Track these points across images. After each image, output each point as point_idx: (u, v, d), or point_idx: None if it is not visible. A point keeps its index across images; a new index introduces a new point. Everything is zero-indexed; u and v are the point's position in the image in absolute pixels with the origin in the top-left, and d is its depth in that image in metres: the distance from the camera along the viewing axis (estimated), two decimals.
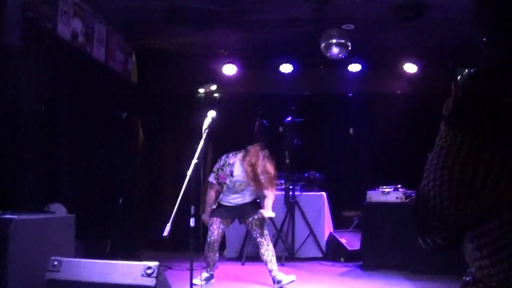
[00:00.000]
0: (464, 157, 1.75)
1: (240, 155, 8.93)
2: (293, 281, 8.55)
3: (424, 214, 1.86)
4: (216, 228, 8.69)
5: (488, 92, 1.77)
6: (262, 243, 8.74)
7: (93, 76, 9.78)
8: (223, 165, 8.87)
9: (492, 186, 1.70)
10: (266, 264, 8.67)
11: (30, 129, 7.60)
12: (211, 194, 8.90)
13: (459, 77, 2.14)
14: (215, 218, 8.72)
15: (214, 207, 8.82)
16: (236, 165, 8.82)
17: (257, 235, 8.80)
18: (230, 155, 9.00)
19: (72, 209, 7.66)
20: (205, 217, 8.80)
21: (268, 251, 8.70)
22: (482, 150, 1.72)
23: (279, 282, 8.56)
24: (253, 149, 9.00)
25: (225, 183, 8.79)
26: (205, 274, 8.62)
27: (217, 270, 9.45)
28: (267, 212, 8.73)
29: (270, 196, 8.91)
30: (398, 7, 9.44)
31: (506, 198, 1.72)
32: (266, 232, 8.86)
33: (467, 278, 1.98)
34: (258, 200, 9.04)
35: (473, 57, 2.16)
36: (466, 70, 2.13)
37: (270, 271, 8.65)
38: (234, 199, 8.87)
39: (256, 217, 8.77)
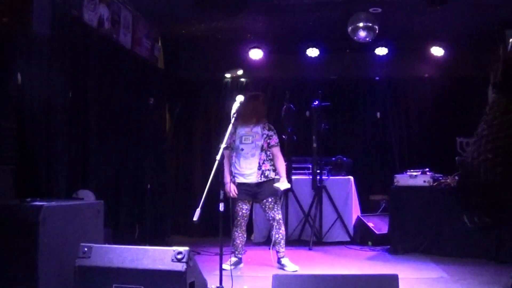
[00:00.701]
0: None
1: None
2: (296, 271, 8.63)
3: (472, 190, 1.73)
4: (239, 210, 8.80)
5: None
6: (273, 226, 8.90)
7: (120, 63, 9.81)
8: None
9: None
10: (273, 245, 8.89)
11: (59, 116, 7.64)
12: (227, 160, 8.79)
13: (510, 40, 1.97)
14: (236, 200, 8.74)
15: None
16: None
17: (270, 217, 8.87)
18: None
19: (100, 195, 7.71)
20: (226, 186, 8.59)
21: (278, 233, 8.89)
22: None
23: (283, 266, 8.78)
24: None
25: (233, 142, 8.80)
26: (233, 259, 8.68)
27: (245, 255, 9.48)
28: (282, 184, 8.78)
29: (281, 161, 8.95)
30: None
31: None
32: (279, 216, 8.95)
33: None
34: (271, 177, 8.86)
35: None
36: None
37: (277, 252, 8.89)
38: (244, 169, 8.78)
39: (270, 199, 8.77)
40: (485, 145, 1.66)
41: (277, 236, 8.85)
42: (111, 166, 9.33)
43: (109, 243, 6.51)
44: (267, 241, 10.88)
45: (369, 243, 10.97)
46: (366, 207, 12.16)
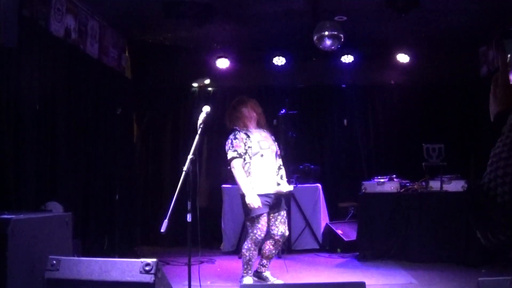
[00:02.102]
0: None
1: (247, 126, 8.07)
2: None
3: (489, 210, 1.72)
4: (264, 224, 7.76)
5: None
6: (278, 243, 8.16)
7: (87, 73, 9.78)
8: (238, 141, 7.84)
9: None
10: (263, 257, 8.30)
11: (26, 127, 7.61)
12: (241, 169, 7.74)
13: (508, 50, 1.97)
14: (260, 214, 7.66)
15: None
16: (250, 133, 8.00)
17: (280, 233, 7.99)
18: (236, 133, 7.97)
19: (69, 206, 7.69)
20: (252, 197, 7.53)
21: (276, 249, 8.43)
22: None
23: (265, 278, 8.24)
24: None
25: (249, 149, 7.79)
26: (249, 279, 7.96)
27: (214, 265, 9.49)
28: (286, 186, 8.08)
29: (282, 167, 8.27)
30: None
31: None
32: (287, 232, 8.22)
33: None
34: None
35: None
36: None
37: (262, 265, 8.36)
38: (265, 178, 7.81)
39: (283, 212, 7.98)
40: (504, 168, 1.66)
41: (275, 252, 8.40)
42: (79, 176, 9.30)
43: (78, 255, 6.52)
44: (236, 250, 10.93)
45: (338, 250, 11.03)
46: (335, 214, 12.23)
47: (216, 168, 12.73)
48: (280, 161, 8.23)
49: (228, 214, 11.49)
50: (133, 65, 12.34)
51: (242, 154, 7.68)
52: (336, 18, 10.51)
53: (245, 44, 12.43)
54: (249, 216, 7.72)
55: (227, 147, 7.92)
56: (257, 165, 7.81)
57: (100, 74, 10.37)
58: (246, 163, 7.75)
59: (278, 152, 8.24)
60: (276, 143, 8.26)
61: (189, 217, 6.48)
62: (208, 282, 8.41)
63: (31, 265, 5.65)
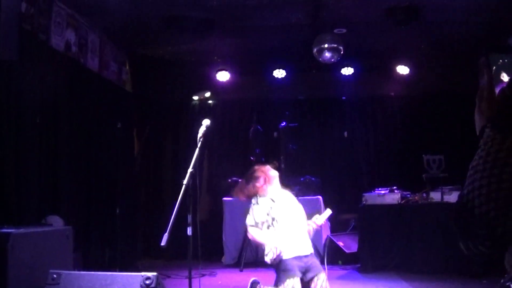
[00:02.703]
0: None
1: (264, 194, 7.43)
2: None
3: (469, 221, 1.77)
4: None
5: None
6: None
7: (88, 87, 9.79)
8: (259, 207, 7.30)
9: None
10: None
11: (27, 140, 7.63)
12: (257, 232, 7.21)
13: (494, 66, 2.00)
14: (288, 279, 6.79)
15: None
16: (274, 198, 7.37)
17: None
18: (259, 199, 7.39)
19: (71, 220, 7.69)
20: (272, 243, 6.93)
21: None
22: None
23: None
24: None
25: (275, 220, 7.15)
26: None
27: (215, 278, 9.48)
28: (321, 216, 7.41)
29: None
30: (392, 10, 9.48)
31: None
32: None
33: (507, 283, 1.88)
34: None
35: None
36: (501, 59, 2.01)
37: None
38: (296, 241, 7.08)
39: (322, 276, 7.00)
40: (480, 180, 1.71)
41: None
42: (80, 190, 9.31)
43: (79, 268, 6.51)
44: (237, 263, 10.92)
45: (339, 262, 11.01)
46: (336, 226, 12.20)
47: (217, 181, 12.74)
48: (305, 221, 7.37)
49: (229, 227, 11.48)
50: (133, 79, 12.35)
51: (259, 223, 7.14)
52: (335, 30, 10.54)
53: (246, 57, 12.45)
54: (279, 281, 6.88)
55: (250, 211, 7.39)
56: (284, 231, 7.07)
57: (100, 87, 10.38)
58: (273, 229, 7.09)
59: (303, 213, 7.47)
60: (318, 202, 7.89)
61: (189, 231, 6.47)
62: None
63: (31, 279, 5.63)
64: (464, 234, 1.82)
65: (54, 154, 8.51)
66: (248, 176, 7.66)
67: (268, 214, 7.15)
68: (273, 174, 7.52)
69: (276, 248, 6.87)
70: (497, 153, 1.71)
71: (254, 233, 7.27)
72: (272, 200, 7.26)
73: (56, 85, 8.63)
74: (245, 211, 9.67)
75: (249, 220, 7.32)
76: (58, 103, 8.67)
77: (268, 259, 6.97)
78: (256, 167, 7.76)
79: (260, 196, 7.33)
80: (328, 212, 7.41)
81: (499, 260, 1.91)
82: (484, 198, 1.70)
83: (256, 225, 7.18)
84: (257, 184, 7.43)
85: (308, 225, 7.27)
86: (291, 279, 6.77)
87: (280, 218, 7.15)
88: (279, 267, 6.95)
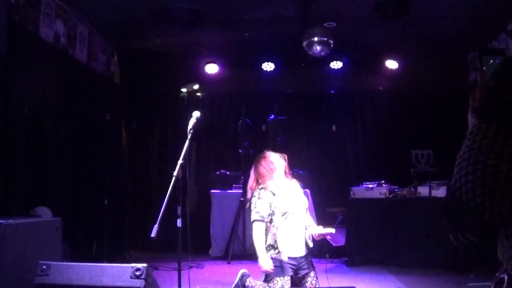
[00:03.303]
0: (498, 149, 1.70)
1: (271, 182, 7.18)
2: None
3: (456, 210, 1.79)
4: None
5: None
6: None
7: (76, 78, 9.76)
8: (262, 201, 7.00)
9: None
10: None
11: (15, 132, 7.60)
12: (260, 234, 6.95)
13: (485, 67, 2.04)
14: (279, 278, 6.75)
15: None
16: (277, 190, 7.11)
17: None
18: (261, 192, 7.10)
19: (58, 211, 7.67)
20: (265, 261, 6.76)
21: None
22: None
23: None
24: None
25: (275, 214, 6.91)
26: None
27: (203, 270, 9.48)
28: (324, 229, 7.10)
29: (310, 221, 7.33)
30: (382, 5, 9.49)
31: None
32: None
33: (502, 275, 1.89)
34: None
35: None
36: (492, 59, 2.04)
37: None
38: (295, 240, 6.93)
39: (313, 274, 6.99)
40: (466, 167, 1.74)
41: None
42: (68, 181, 9.29)
43: (67, 260, 6.49)
44: (225, 256, 10.93)
45: (327, 255, 11.02)
46: (324, 220, 12.19)
47: (205, 173, 12.74)
48: (308, 215, 7.33)
49: (217, 220, 11.49)
50: (121, 71, 12.33)
51: (265, 216, 6.90)
52: (325, 24, 10.54)
53: (234, 49, 12.43)
54: (269, 277, 6.81)
55: (252, 206, 7.13)
56: (285, 226, 6.91)
57: (88, 79, 10.36)
58: (274, 225, 6.90)
59: (307, 206, 7.34)
60: (308, 195, 7.59)
61: (179, 222, 6.47)
62: (198, 287, 8.40)
63: (21, 270, 5.62)
64: (452, 225, 1.84)
65: (42, 145, 8.49)
66: (257, 158, 7.48)
67: (270, 208, 6.94)
68: (279, 162, 7.32)
69: (268, 268, 6.70)
70: (482, 141, 1.74)
71: (256, 232, 6.99)
72: (273, 193, 7.01)
73: (45, 76, 8.61)
74: (233, 204, 9.71)
75: (255, 215, 7.00)
76: (46, 94, 8.64)
77: (261, 266, 6.87)
78: (266, 152, 7.50)
79: (262, 187, 7.08)
80: (332, 230, 7.05)
81: (487, 254, 1.93)
82: (471, 185, 1.74)
83: (263, 219, 6.91)
84: (262, 169, 7.24)
85: (309, 226, 7.13)
86: (282, 277, 6.72)
87: (279, 215, 6.92)
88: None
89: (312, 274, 6.96)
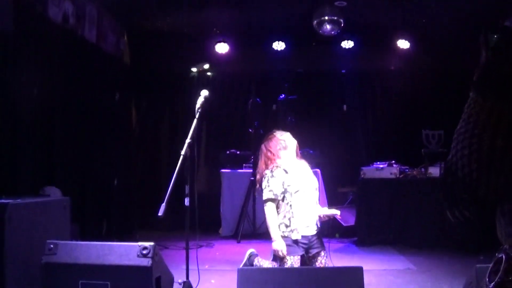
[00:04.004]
0: (494, 124, 1.68)
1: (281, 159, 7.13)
2: None
3: (452, 186, 1.76)
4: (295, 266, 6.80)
5: None
6: None
7: (85, 58, 9.73)
8: (275, 179, 6.91)
9: None
10: None
11: (24, 113, 7.60)
12: (274, 213, 6.88)
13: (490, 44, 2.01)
14: (288, 257, 6.71)
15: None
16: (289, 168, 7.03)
17: None
18: (274, 169, 7.03)
19: (67, 191, 7.67)
20: (279, 244, 6.70)
21: None
22: None
23: None
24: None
25: (288, 192, 6.83)
26: None
27: (212, 249, 9.49)
28: (329, 210, 7.19)
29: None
30: None
31: None
32: None
33: (500, 255, 1.87)
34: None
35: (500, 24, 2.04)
36: (497, 37, 2.01)
37: None
38: (306, 219, 6.88)
39: (323, 253, 6.98)
40: (462, 142, 1.72)
41: None
42: (77, 162, 9.28)
43: (76, 239, 6.50)
44: (235, 235, 10.95)
45: (336, 235, 11.01)
46: (334, 199, 12.18)
47: (215, 153, 12.73)
48: (317, 194, 7.26)
49: (227, 199, 11.50)
50: (131, 51, 12.30)
51: (278, 195, 6.84)
52: (336, 3, 10.48)
53: (245, 29, 12.37)
54: (278, 258, 6.78)
55: (263, 184, 7.02)
56: (298, 204, 6.87)
57: (98, 59, 10.33)
58: (287, 203, 6.83)
59: (317, 186, 7.28)
60: (318, 175, 7.48)
61: (186, 201, 6.46)
62: (206, 266, 8.42)
63: (28, 249, 5.64)
64: (449, 201, 1.82)
65: (51, 126, 8.48)
66: (265, 138, 7.39)
67: (282, 186, 6.84)
68: (290, 142, 7.23)
69: (282, 252, 6.74)
70: (478, 115, 1.72)
71: (269, 212, 6.90)
72: (286, 171, 6.93)
73: (53, 56, 8.58)
74: (243, 183, 9.68)
75: (268, 194, 6.88)
76: (55, 74, 8.63)
77: (274, 250, 6.80)
78: (276, 131, 7.42)
79: (274, 166, 7.00)
80: (337, 212, 7.15)
81: (497, 235, 1.89)
82: (467, 160, 1.72)
83: (276, 197, 6.84)
84: (271, 148, 7.17)
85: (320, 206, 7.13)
86: (292, 257, 6.68)
87: (292, 193, 6.84)
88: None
89: (322, 253, 6.93)
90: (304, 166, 7.22)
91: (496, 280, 1.82)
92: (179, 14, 10.97)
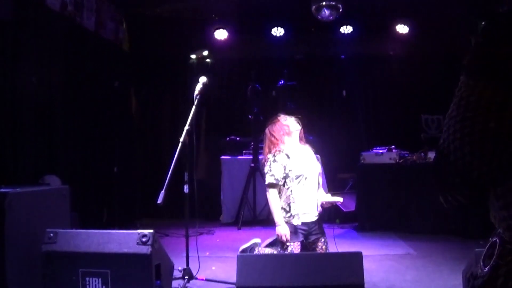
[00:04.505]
0: (486, 106, 1.66)
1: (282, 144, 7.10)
2: None
3: (445, 170, 1.76)
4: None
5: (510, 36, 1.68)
6: None
7: (84, 46, 9.73)
8: (277, 164, 6.90)
9: None
10: None
11: (24, 101, 7.61)
12: (276, 198, 6.88)
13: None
14: (288, 243, 6.72)
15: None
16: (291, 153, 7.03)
17: None
18: (276, 154, 7.02)
19: (68, 179, 7.68)
20: (283, 229, 6.68)
21: None
22: (507, 98, 1.62)
23: None
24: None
25: (289, 177, 6.83)
26: None
27: (213, 236, 9.51)
28: (332, 197, 7.13)
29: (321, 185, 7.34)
30: None
31: None
32: None
33: (494, 239, 1.87)
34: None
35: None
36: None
37: None
38: (308, 205, 6.89)
39: (323, 239, 6.99)
40: (454, 125, 1.71)
41: None
42: (77, 150, 9.30)
43: (76, 228, 6.51)
44: (235, 222, 10.97)
45: (337, 220, 11.05)
46: (334, 185, 12.20)
47: (215, 140, 12.73)
48: (320, 179, 7.27)
49: (227, 186, 11.51)
50: (130, 38, 12.29)
51: (280, 179, 6.82)
52: None
53: (244, 15, 12.36)
54: (278, 244, 6.82)
55: (265, 169, 7.02)
56: (299, 189, 6.90)
57: (97, 47, 10.33)
58: (288, 188, 6.84)
59: (320, 171, 7.33)
60: (319, 161, 7.54)
61: (186, 189, 6.48)
62: (207, 253, 8.44)
63: (29, 238, 5.66)
64: (442, 185, 1.82)
65: (51, 114, 8.49)
66: (270, 122, 7.30)
67: (284, 171, 6.82)
68: (294, 127, 7.15)
69: (286, 236, 6.74)
70: (468, 97, 1.71)
71: (271, 197, 6.87)
72: (288, 156, 6.89)
73: (52, 44, 8.58)
74: (243, 170, 9.68)
75: (269, 178, 6.84)
76: (54, 62, 8.63)
77: (278, 234, 6.79)
78: (280, 115, 7.35)
79: (277, 151, 6.94)
80: (339, 199, 7.07)
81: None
82: (458, 143, 1.71)
83: (278, 182, 6.79)
84: (274, 133, 7.12)
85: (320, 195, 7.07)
86: (292, 243, 6.67)
87: (293, 178, 6.84)
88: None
89: (322, 239, 6.91)
90: (307, 151, 7.16)
91: (491, 264, 1.83)
92: (178, 0, 10.95)
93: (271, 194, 6.82)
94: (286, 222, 6.68)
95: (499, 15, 1.80)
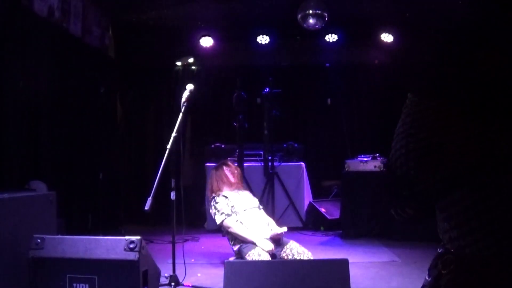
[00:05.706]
0: (430, 123, 1.73)
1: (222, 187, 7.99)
2: None
3: (393, 184, 1.82)
4: None
5: (456, 54, 1.73)
6: None
7: (70, 52, 9.71)
8: (220, 204, 7.68)
9: (461, 151, 1.68)
10: None
11: (9, 107, 7.59)
12: (236, 224, 7.46)
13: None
14: (253, 249, 7.12)
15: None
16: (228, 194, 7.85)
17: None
18: (215, 198, 7.86)
19: (53, 185, 7.66)
20: (264, 243, 7.17)
21: None
22: (449, 115, 1.69)
23: None
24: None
25: (234, 212, 7.52)
26: None
27: (198, 243, 9.51)
28: (280, 228, 7.53)
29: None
30: None
31: (475, 163, 1.70)
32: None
33: (440, 250, 1.94)
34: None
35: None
36: None
37: None
38: (259, 230, 7.42)
39: (291, 244, 7.33)
40: (400, 141, 1.77)
41: None
42: (63, 156, 9.26)
43: (62, 234, 6.50)
44: (220, 229, 10.96)
45: (322, 228, 11.09)
46: (318, 193, 12.26)
47: (200, 147, 12.75)
48: (262, 212, 8.00)
49: None
50: (116, 44, 12.28)
51: (230, 212, 7.51)
52: None
53: (229, 22, 12.38)
54: (243, 254, 7.17)
55: (212, 214, 7.80)
56: (248, 218, 7.53)
57: (83, 53, 10.30)
58: (237, 220, 7.48)
59: (258, 205, 8.03)
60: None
61: (173, 195, 6.50)
62: (192, 260, 8.43)
63: (15, 244, 5.64)
64: (392, 199, 1.87)
65: (37, 119, 8.47)
66: (217, 165, 8.40)
67: (228, 206, 7.58)
68: (234, 176, 8.09)
69: (267, 247, 7.04)
70: (414, 114, 1.78)
71: (233, 226, 7.47)
72: (225, 197, 7.71)
73: (39, 51, 8.56)
74: None
75: (220, 217, 7.59)
76: (40, 68, 8.61)
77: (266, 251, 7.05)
78: (224, 163, 8.43)
79: (215, 196, 7.80)
80: (284, 229, 7.48)
81: None
82: (404, 158, 1.78)
83: (229, 215, 7.49)
84: (216, 178, 8.10)
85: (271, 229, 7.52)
86: (254, 248, 7.04)
87: (240, 211, 7.58)
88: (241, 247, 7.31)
89: (291, 245, 7.30)
90: (244, 193, 8.08)
91: (435, 273, 1.89)
92: (164, 7, 10.96)
93: (229, 224, 7.49)
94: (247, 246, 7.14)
95: (440, 33, 1.86)
